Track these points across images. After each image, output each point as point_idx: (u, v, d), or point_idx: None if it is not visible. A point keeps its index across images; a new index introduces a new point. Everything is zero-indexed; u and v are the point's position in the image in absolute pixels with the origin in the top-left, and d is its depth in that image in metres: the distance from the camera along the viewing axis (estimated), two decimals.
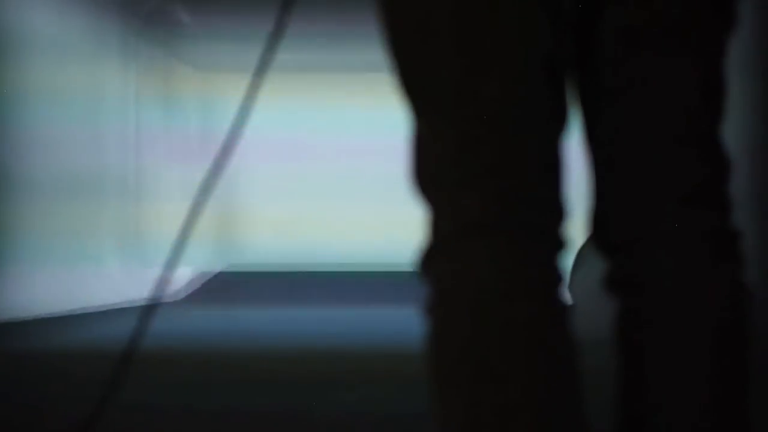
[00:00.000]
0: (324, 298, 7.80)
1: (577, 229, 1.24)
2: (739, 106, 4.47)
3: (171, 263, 1.60)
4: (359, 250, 9.79)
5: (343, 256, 9.80)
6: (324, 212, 10.10)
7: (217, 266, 9.54)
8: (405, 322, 3.39)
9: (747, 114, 4.54)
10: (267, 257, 9.83)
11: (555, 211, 1.05)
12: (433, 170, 1.04)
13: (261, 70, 1.40)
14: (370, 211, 9.96)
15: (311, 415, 3.06)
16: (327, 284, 8.66)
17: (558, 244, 1.04)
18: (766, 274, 4.26)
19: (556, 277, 1.04)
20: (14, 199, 5.96)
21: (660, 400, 1.06)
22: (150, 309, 1.58)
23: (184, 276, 8.42)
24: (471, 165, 1.02)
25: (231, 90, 7.57)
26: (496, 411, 0.98)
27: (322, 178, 10.12)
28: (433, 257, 1.04)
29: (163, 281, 1.74)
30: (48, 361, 4.45)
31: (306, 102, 10.00)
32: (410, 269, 1.13)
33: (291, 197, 10.11)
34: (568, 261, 1.45)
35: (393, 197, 8.73)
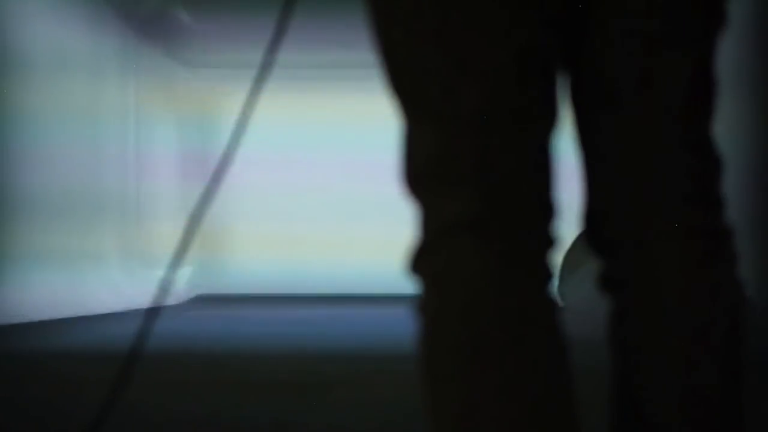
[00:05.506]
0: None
1: (567, 227, 1.25)
2: (739, 107, 4.47)
3: (173, 267, 1.60)
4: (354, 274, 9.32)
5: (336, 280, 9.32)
6: (317, 234, 9.59)
7: (200, 289, 9.10)
8: (404, 322, 3.39)
9: (746, 114, 4.55)
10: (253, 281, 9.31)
11: (543, 209, 1.05)
12: (421, 170, 1.05)
13: (259, 82, 1.40)
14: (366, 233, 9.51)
15: (311, 415, 3.07)
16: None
17: (546, 242, 1.05)
18: (763, 273, 4.26)
19: (544, 274, 1.04)
20: (16, 205, 5.97)
21: (652, 398, 1.07)
22: (154, 311, 1.59)
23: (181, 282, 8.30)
24: (457, 164, 1.02)
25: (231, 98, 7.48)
26: (486, 405, 0.99)
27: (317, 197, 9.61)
28: (421, 256, 1.05)
29: (165, 284, 1.76)
30: (50, 363, 4.45)
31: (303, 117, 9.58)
32: (407, 294, 1.12)
33: (283, 216, 9.58)
34: (557, 259, 1.45)
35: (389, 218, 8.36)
